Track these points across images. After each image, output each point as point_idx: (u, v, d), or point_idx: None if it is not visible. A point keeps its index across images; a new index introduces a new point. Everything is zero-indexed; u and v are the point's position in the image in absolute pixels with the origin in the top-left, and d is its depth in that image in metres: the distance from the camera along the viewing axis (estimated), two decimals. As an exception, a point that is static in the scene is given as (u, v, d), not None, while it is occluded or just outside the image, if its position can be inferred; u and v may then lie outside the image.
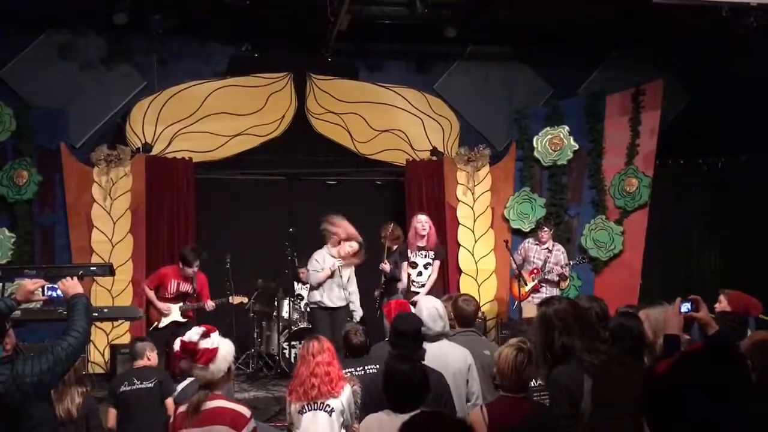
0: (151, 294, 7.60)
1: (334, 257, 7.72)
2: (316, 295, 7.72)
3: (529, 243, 8.70)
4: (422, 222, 7.95)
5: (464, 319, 5.01)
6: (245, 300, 8.03)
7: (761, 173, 9.82)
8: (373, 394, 3.97)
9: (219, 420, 3.37)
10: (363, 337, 5.08)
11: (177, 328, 7.33)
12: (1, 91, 8.83)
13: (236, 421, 3.39)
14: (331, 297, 7.75)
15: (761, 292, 5.96)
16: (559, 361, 3.39)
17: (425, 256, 7.97)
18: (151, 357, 5.70)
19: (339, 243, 7.73)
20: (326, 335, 6.78)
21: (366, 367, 4.89)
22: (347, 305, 7.89)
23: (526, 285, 8.37)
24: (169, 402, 5.39)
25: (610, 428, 2.84)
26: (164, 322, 7.53)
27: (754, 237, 9.66)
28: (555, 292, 8.43)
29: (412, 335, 4.33)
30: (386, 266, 7.82)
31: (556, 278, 8.44)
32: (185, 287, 7.61)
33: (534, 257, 8.52)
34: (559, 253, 8.55)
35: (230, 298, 7.81)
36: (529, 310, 8.26)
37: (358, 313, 8.03)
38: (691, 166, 10.31)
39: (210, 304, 7.63)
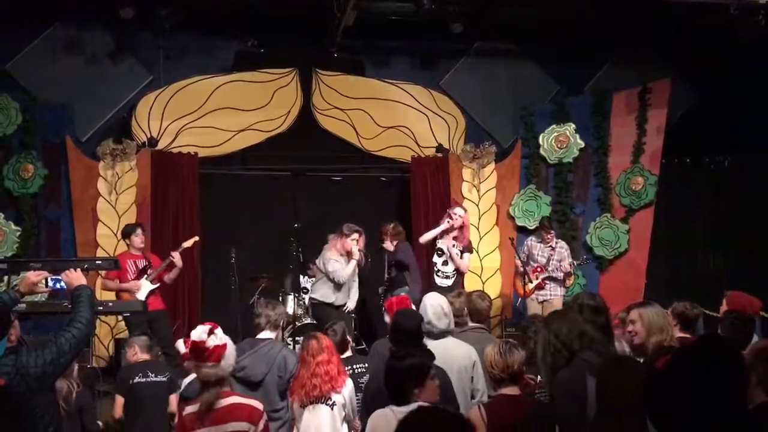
0: (112, 283, 7.43)
1: (342, 256, 7.65)
2: (329, 297, 7.62)
3: (532, 241, 8.66)
4: (460, 213, 7.93)
5: (477, 313, 5.17)
6: (196, 239, 7.89)
7: (767, 172, 9.79)
8: (373, 391, 3.96)
9: (237, 416, 3.37)
10: (339, 336, 5.11)
11: (151, 317, 7.24)
12: (8, 85, 8.85)
13: (253, 415, 3.41)
14: (341, 298, 7.72)
15: (766, 291, 5.95)
16: (560, 365, 3.40)
17: (454, 246, 7.91)
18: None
19: (340, 245, 7.66)
20: None
21: (354, 366, 4.91)
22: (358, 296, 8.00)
23: (531, 282, 8.35)
24: (173, 398, 5.41)
25: (611, 427, 2.82)
26: (141, 298, 7.38)
27: (761, 236, 9.63)
28: (559, 289, 8.44)
29: (412, 332, 4.31)
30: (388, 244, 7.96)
31: (561, 276, 8.43)
32: (141, 263, 7.54)
33: (538, 255, 8.50)
34: (563, 250, 8.53)
35: (183, 244, 7.68)
36: (534, 307, 8.27)
37: (352, 303, 8.05)
38: (697, 164, 10.27)
39: (174, 254, 7.51)
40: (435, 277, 7.89)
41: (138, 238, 7.56)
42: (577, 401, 3.22)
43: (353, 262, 7.56)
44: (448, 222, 7.85)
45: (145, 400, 5.36)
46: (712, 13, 8.14)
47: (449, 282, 7.85)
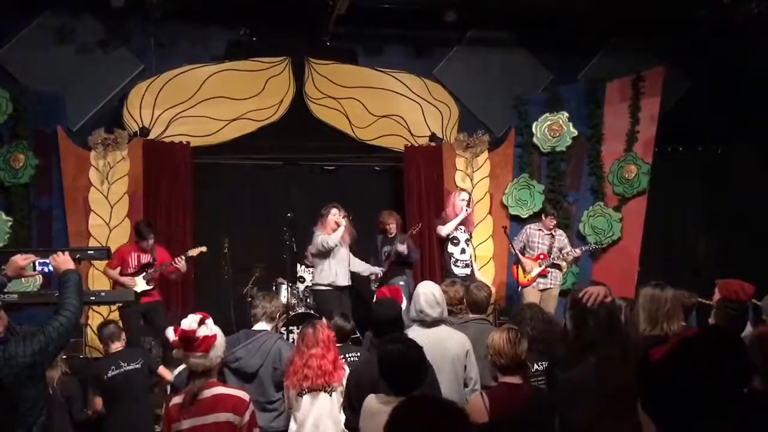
0: (113, 272, 7.59)
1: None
2: (330, 276, 7.64)
3: (531, 229, 8.63)
4: (466, 199, 7.95)
5: (476, 304, 5.12)
6: (203, 250, 7.90)
7: (760, 161, 9.80)
8: (363, 381, 3.94)
9: (221, 407, 3.34)
10: (348, 323, 5.12)
11: (146, 309, 7.39)
12: (-3, 74, 8.79)
13: (238, 406, 3.37)
14: (342, 276, 7.70)
15: (759, 279, 5.95)
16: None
17: (464, 231, 7.88)
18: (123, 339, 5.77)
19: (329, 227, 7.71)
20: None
21: (346, 355, 4.91)
22: (351, 284, 7.93)
23: (531, 271, 8.31)
24: (162, 370, 5.49)
25: (600, 416, 2.82)
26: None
27: (752, 224, 9.65)
28: (559, 277, 8.47)
29: (392, 322, 4.30)
30: (403, 247, 7.88)
31: (572, 260, 8.43)
32: (145, 258, 7.61)
33: (538, 243, 8.46)
34: (562, 237, 8.55)
35: (188, 252, 7.73)
36: (532, 295, 8.24)
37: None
38: (690, 153, 10.28)
39: (179, 260, 7.57)
40: (453, 267, 7.83)
41: (146, 243, 7.56)
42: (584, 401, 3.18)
43: (341, 229, 7.59)
44: (467, 210, 7.83)
45: (123, 390, 5.37)
46: (706, 1, 8.12)
47: (468, 271, 7.82)
